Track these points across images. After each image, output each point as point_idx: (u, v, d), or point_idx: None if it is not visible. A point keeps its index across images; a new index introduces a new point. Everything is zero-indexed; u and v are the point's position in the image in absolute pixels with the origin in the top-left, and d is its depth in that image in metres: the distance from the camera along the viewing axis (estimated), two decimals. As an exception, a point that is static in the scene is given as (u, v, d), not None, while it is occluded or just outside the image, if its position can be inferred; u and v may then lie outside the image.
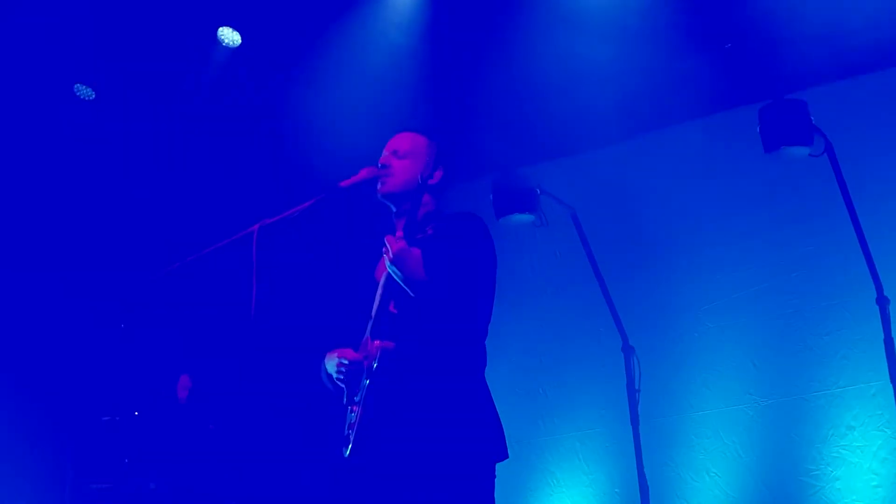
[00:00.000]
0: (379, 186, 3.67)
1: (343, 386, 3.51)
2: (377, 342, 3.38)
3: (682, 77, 6.56)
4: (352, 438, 3.38)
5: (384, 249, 3.40)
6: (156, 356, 6.81)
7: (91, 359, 6.94)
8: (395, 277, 3.37)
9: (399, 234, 3.43)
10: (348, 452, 3.40)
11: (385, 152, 3.75)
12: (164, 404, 6.90)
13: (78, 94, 6.78)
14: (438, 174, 3.60)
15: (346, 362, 3.48)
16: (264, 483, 6.61)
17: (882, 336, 5.59)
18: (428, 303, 3.35)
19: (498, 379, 3.60)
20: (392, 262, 3.35)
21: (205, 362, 7.28)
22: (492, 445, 3.45)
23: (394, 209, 3.72)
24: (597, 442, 6.97)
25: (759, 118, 5.77)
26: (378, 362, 3.35)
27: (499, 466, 3.48)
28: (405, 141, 3.75)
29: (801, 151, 5.68)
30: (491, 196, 6.59)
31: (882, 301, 5.66)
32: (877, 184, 6.20)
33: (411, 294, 3.35)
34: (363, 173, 3.68)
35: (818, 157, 5.68)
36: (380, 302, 3.48)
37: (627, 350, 6.48)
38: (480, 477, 3.42)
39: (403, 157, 3.69)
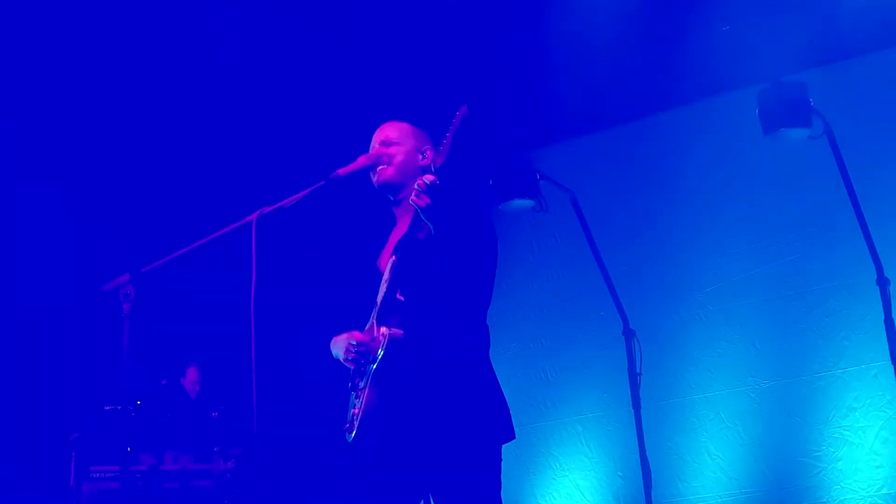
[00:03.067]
0: (375, 177, 3.68)
1: (351, 367, 3.51)
2: (383, 329, 3.40)
3: (680, 60, 6.54)
4: (357, 423, 3.40)
5: (416, 192, 3.33)
6: (157, 346, 6.81)
7: (94, 348, 6.96)
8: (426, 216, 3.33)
9: (400, 222, 3.43)
10: (352, 437, 3.41)
11: (374, 144, 3.76)
12: (167, 393, 6.92)
13: None
14: (430, 155, 3.61)
15: (354, 343, 3.49)
16: (268, 469, 6.62)
17: (882, 317, 5.59)
18: (437, 280, 3.36)
19: (500, 364, 3.61)
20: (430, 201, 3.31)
21: (206, 351, 7.30)
22: (499, 426, 3.47)
23: (392, 198, 3.73)
24: (599, 425, 6.98)
25: (757, 100, 5.75)
26: (385, 349, 3.37)
27: (502, 451, 3.50)
28: (391, 130, 3.77)
29: (800, 133, 5.67)
30: (490, 182, 6.59)
31: (882, 282, 5.66)
32: (876, 165, 6.19)
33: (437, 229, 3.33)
34: (361, 161, 3.69)
35: (817, 139, 5.67)
36: (386, 289, 3.48)
37: (628, 333, 6.47)
38: (488, 458, 3.44)
39: (392, 145, 3.72)
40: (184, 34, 6.64)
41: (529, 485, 7.14)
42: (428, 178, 3.31)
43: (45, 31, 6.47)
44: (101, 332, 5.84)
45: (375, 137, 3.78)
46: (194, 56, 6.78)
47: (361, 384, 3.43)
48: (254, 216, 3.56)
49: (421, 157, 3.68)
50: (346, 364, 3.53)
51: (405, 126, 3.79)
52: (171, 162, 7.34)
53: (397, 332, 3.38)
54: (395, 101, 6.35)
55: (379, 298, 3.51)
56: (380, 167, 3.67)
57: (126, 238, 7.04)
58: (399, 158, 3.69)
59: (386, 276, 3.52)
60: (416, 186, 3.33)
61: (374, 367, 3.38)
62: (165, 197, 7.43)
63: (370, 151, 3.75)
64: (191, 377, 7.27)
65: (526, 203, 6.53)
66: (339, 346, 3.56)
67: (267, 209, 3.58)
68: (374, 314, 3.52)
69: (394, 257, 3.51)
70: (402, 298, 3.41)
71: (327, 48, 6.68)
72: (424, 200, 3.30)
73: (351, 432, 3.42)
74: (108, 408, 6.19)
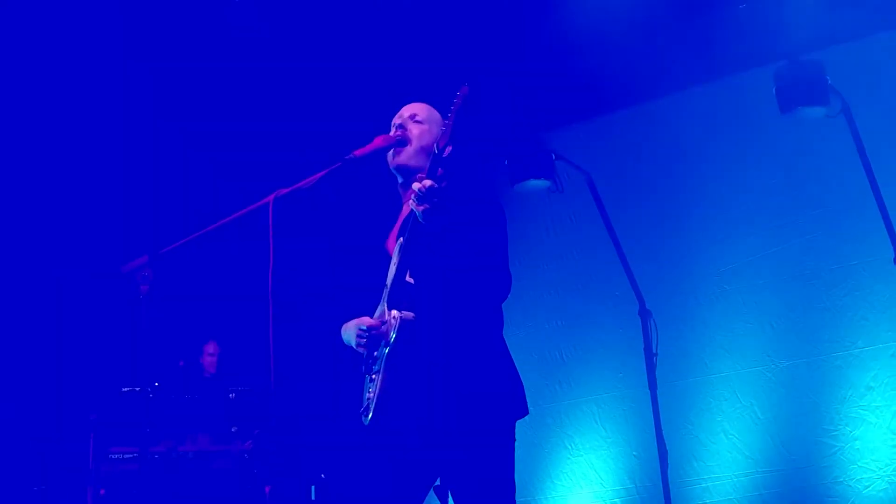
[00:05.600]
0: (393, 159, 3.66)
1: (363, 351, 3.52)
2: (394, 312, 3.40)
3: (697, 39, 6.51)
4: (373, 406, 3.41)
5: (414, 197, 3.33)
6: (175, 328, 6.85)
7: (112, 330, 6.99)
8: (422, 220, 3.32)
9: (406, 203, 3.41)
10: (369, 420, 3.42)
11: (402, 114, 3.75)
12: (184, 374, 6.96)
13: None
14: (449, 149, 3.57)
15: (364, 328, 3.50)
16: (286, 452, 6.66)
17: (899, 296, 5.58)
18: (445, 261, 3.35)
19: (515, 344, 3.62)
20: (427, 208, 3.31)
21: (223, 332, 7.34)
22: (512, 402, 3.47)
23: (401, 179, 3.71)
24: (614, 405, 6.99)
25: (774, 79, 5.73)
26: (397, 332, 3.37)
27: (517, 431, 3.50)
28: (422, 109, 3.76)
29: (817, 112, 5.65)
30: (506, 163, 6.59)
31: (899, 261, 5.64)
32: (894, 143, 6.15)
33: (433, 235, 3.33)
34: (378, 141, 3.68)
35: (835, 118, 5.64)
36: (396, 272, 3.48)
37: (644, 314, 6.47)
38: (501, 434, 3.45)
39: (420, 123, 3.70)
40: (200, 19, 6.65)
41: (544, 464, 7.15)
42: (426, 182, 3.28)
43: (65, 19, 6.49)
44: (119, 314, 5.87)
45: (404, 111, 3.75)
46: (211, 42, 6.79)
47: (375, 368, 3.44)
48: (271, 197, 3.57)
49: (436, 147, 3.66)
50: (358, 350, 3.54)
51: (434, 112, 3.77)
52: (188, 145, 7.36)
53: (408, 314, 3.38)
54: (410, 82, 6.34)
55: (388, 281, 3.51)
56: (400, 148, 3.66)
57: (145, 220, 7.07)
58: (421, 141, 3.67)
59: (394, 258, 3.51)
60: (413, 189, 3.31)
61: (387, 350, 3.39)
62: (182, 180, 7.46)
63: (393, 123, 3.74)
64: (208, 351, 7.31)
65: (542, 183, 6.53)
66: (350, 333, 3.57)
67: (284, 190, 3.59)
68: (384, 297, 3.53)
69: (401, 239, 3.49)
70: (411, 281, 3.40)
71: (340, 29, 6.67)
72: (423, 206, 3.29)
73: (367, 416, 3.43)
74: (126, 389, 6.22)
